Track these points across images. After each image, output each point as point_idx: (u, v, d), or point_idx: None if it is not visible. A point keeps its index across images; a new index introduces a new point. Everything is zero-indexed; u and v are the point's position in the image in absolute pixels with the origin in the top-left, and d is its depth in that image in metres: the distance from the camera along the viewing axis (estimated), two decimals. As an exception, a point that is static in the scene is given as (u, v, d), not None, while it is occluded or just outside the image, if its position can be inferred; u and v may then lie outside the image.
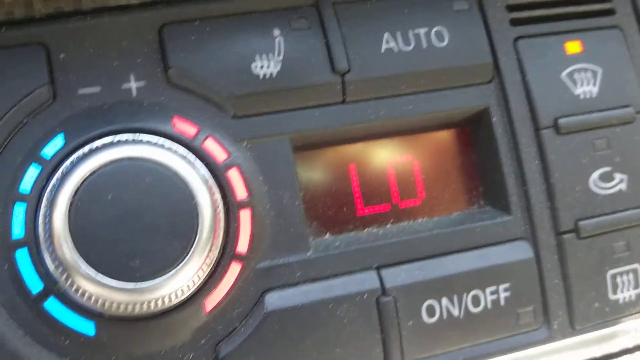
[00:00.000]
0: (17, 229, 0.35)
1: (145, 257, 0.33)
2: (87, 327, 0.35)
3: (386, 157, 0.41)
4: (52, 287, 0.35)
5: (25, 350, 0.35)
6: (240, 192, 0.37)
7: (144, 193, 0.34)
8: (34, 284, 0.35)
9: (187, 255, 0.34)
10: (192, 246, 0.34)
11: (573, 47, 0.43)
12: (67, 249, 0.33)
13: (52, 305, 0.35)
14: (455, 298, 0.39)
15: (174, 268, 0.33)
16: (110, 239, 0.33)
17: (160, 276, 0.33)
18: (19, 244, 0.35)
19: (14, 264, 0.35)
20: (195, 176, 0.35)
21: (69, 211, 0.33)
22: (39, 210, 0.35)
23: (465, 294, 0.39)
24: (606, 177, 0.42)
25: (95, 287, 0.33)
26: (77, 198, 0.33)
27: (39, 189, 0.35)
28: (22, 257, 0.35)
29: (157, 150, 0.35)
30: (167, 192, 0.34)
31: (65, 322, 0.35)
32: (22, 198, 0.35)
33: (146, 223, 0.33)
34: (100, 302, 0.33)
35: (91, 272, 0.33)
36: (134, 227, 0.33)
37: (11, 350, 0.35)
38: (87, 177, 0.34)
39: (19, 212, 0.35)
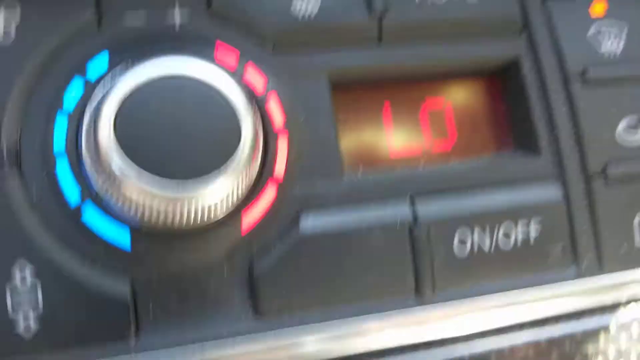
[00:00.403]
0: (59, 142, 0.35)
1: (188, 161, 0.33)
2: (123, 239, 0.35)
3: (419, 99, 0.42)
4: (91, 198, 0.35)
5: (61, 260, 0.35)
6: (278, 120, 0.38)
7: (188, 108, 0.34)
8: (73, 195, 0.35)
9: (227, 167, 0.34)
10: (232, 161, 0.34)
11: (598, 8, 0.44)
12: (111, 157, 0.33)
13: (90, 217, 0.35)
14: (487, 231, 0.39)
15: (215, 176, 0.34)
16: (156, 146, 0.33)
17: (201, 180, 0.33)
18: (60, 155, 0.35)
19: (54, 175, 0.35)
20: (237, 98, 0.35)
21: (115, 121, 0.34)
22: (82, 123, 0.35)
23: (496, 228, 0.39)
24: (632, 127, 0.43)
25: (137, 192, 0.33)
26: (123, 108, 0.34)
27: (82, 104, 0.36)
28: (63, 168, 0.35)
29: (201, 70, 0.35)
30: (211, 110, 0.34)
31: (102, 234, 0.35)
32: (64, 112, 0.36)
33: (190, 135, 0.34)
34: (140, 210, 0.34)
35: (134, 173, 0.33)
36: (178, 136, 0.33)
37: (47, 260, 0.35)
38: (132, 90, 0.34)
39: (61, 124, 0.36)
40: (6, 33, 0.36)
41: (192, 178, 0.33)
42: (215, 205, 0.35)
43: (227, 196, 0.35)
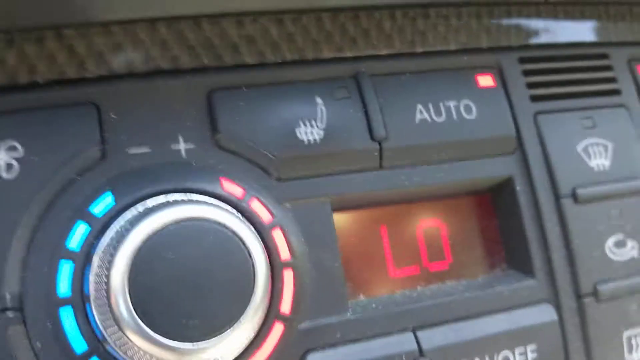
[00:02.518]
0: (64, 287, 0.35)
1: (203, 317, 0.33)
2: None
3: (415, 221, 0.43)
4: (97, 347, 0.34)
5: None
6: (284, 252, 0.38)
7: (205, 253, 0.34)
8: (78, 344, 0.35)
9: (242, 314, 0.34)
10: (247, 306, 0.34)
11: (586, 123, 0.46)
12: (123, 308, 0.33)
13: (96, 366, 0.35)
14: (487, 359, 0.40)
15: (229, 328, 0.34)
16: (169, 299, 0.33)
17: (216, 336, 0.34)
18: (65, 301, 0.35)
19: (59, 322, 0.35)
20: (250, 236, 0.36)
21: (130, 270, 0.33)
22: (89, 268, 0.35)
23: (496, 355, 0.40)
24: (620, 244, 0.44)
25: (148, 345, 0.33)
26: (139, 257, 0.33)
27: (88, 246, 0.35)
28: (68, 316, 0.35)
29: (215, 210, 0.35)
30: (227, 252, 0.35)
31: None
32: (69, 255, 0.35)
33: (206, 282, 0.34)
34: None
35: (146, 330, 0.33)
36: (193, 286, 0.33)
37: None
38: (149, 237, 0.34)
39: (66, 269, 0.35)
40: (9, 167, 0.35)
41: (207, 338, 0.33)
42: (225, 353, 0.35)
43: (241, 340, 0.35)
